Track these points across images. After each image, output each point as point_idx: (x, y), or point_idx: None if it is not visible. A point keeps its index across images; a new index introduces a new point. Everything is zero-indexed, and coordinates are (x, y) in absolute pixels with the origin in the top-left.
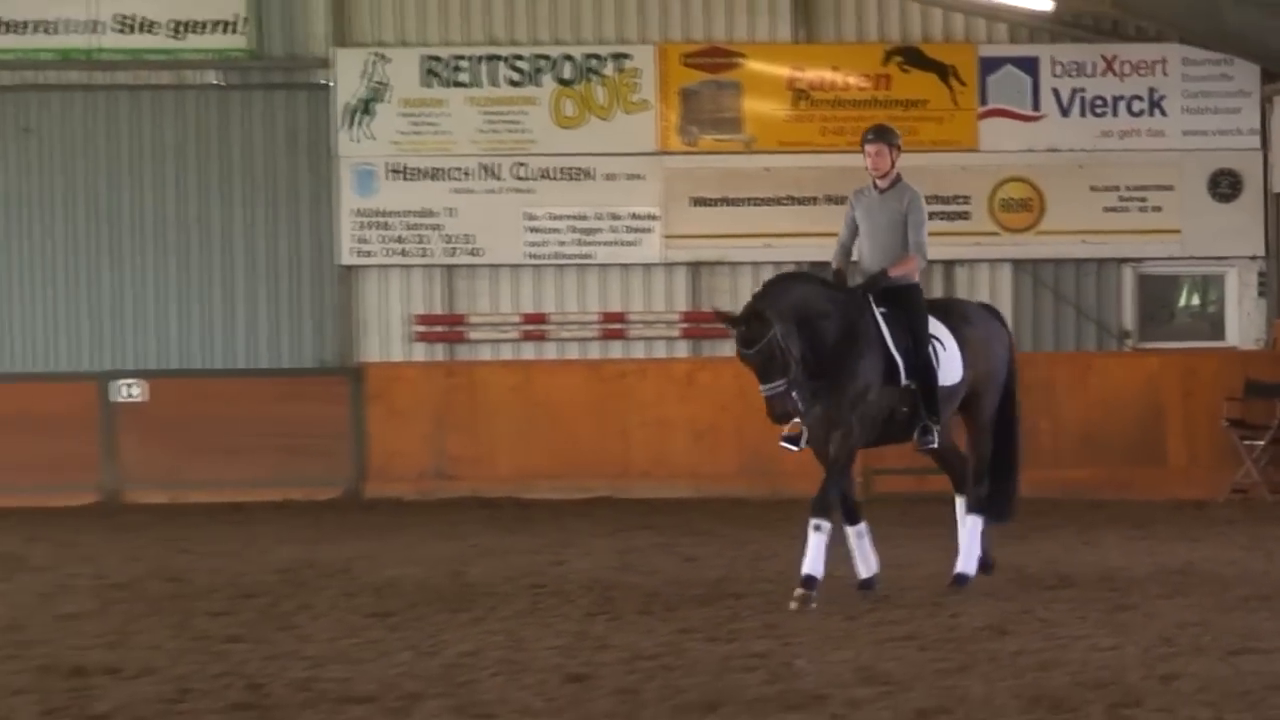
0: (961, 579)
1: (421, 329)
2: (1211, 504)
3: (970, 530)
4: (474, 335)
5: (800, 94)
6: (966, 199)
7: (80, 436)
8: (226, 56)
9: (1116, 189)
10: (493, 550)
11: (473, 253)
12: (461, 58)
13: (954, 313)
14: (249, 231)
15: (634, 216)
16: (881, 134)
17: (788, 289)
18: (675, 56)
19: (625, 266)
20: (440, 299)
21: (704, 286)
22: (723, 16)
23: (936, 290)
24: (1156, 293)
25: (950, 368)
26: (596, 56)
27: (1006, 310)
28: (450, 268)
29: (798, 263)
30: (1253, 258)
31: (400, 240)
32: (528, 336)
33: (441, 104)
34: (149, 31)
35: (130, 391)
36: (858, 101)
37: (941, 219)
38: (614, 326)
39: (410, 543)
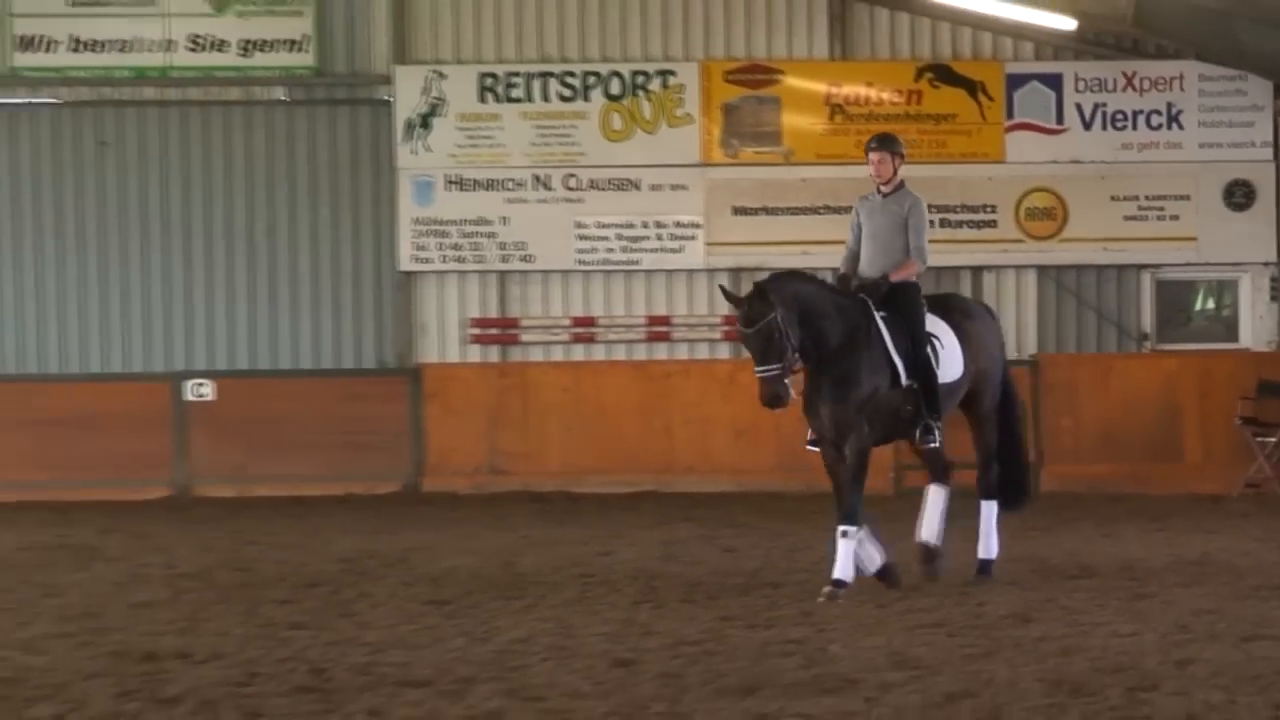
0: (984, 566)
1: (476, 332)
2: (1226, 498)
3: (986, 517)
4: (526, 338)
5: (836, 109)
6: (994, 208)
7: (153, 434)
8: (293, 74)
9: (1136, 199)
10: (543, 541)
11: (525, 259)
12: (515, 74)
13: (953, 308)
14: (314, 239)
15: (678, 225)
16: (884, 142)
17: (793, 282)
18: (718, 73)
19: (670, 272)
20: (494, 303)
21: (745, 291)
22: (763, 35)
23: (966, 294)
24: (1174, 297)
25: (950, 364)
26: (643, 73)
27: (1031, 314)
28: (504, 274)
29: (833, 269)
30: (1265, 264)
31: (457, 247)
32: (577, 339)
33: (496, 118)
34: (219, 50)
35: (201, 391)
36: (891, 116)
37: (969, 227)
38: (659, 329)
39: (465, 534)
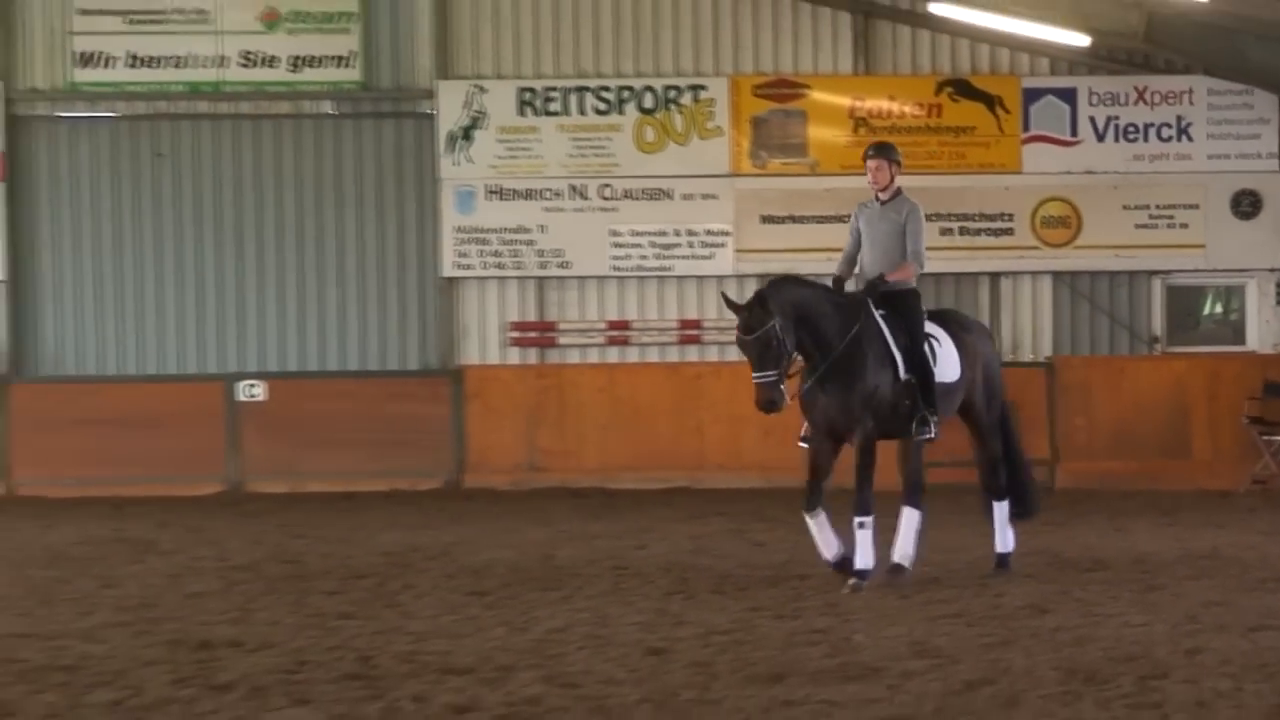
0: (1002, 559)
1: (516, 335)
2: (1233, 494)
3: (998, 515)
4: (563, 340)
5: (860, 121)
6: (1011, 216)
7: (207, 432)
8: (340, 88)
9: (1147, 207)
10: (579, 535)
11: (562, 266)
12: (553, 89)
13: (951, 320)
14: (360, 247)
15: (709, 233)
16: (881, 150)
17: (793, 289)
18: (746, 87)
19: (701, 278)
20: (533, 308)
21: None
22: (790, 51)
23: (984, 299)
24: (1183, 302)
25: (947, 365)
26: (675, 88)
27: (1046, 318)
28: (542, 279)
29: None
30: (1271, 270)
31: (497, 254)
32: (612, 342)
33: (535, 131)
34: (270, 66)
35: (252, 391)
36: (912, 128)
37: (988, 234)
38: (690, 332)
39: (505, 529)
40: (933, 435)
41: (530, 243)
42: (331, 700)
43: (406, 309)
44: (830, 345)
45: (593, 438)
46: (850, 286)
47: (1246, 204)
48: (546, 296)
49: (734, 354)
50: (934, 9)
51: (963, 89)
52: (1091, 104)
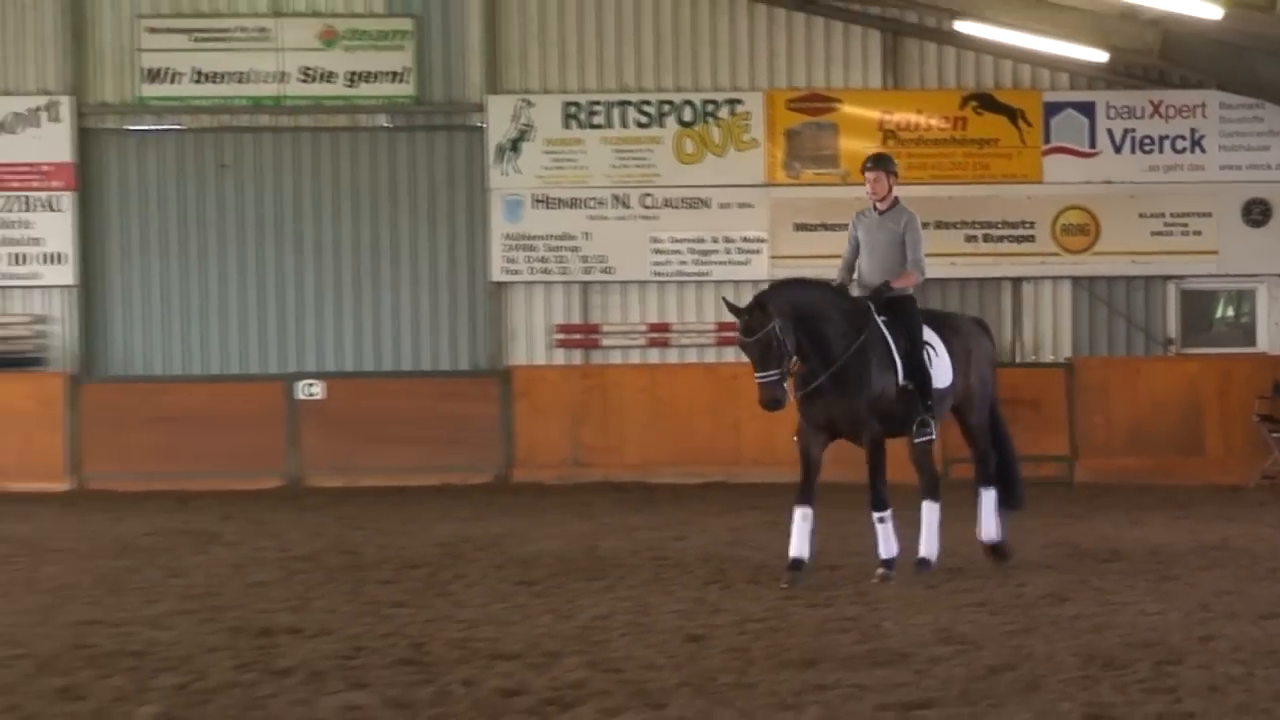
0: (997, 549)
1: (561, 337)
2: (1244, 489)
3: (985, 500)
4: (606, 342)
5: (889, 134)
6: (1032, 224)
7: (268, 429)
8: (394, 103)
9: (1162, 215)
10: (621, 527)
11: (605, 271)
12: (597, 103)
13: (945, 325)
14: (413, 253)
15: (745, 240)
16: (879, 162)
17: (793, 290)
18: (780, 101)
19: (737, 283)
20: (577, 311)
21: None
22: (822, 67)
23: (1007, 303)
24: (1196, 306)
25: (942, 371)
26: (713, 102)
27: (1066, 321)
28: (586, 284)
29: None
30: None
31: (543, 260)
32: (653, 343)
33: (579, 143)
34: (328, 81)
35: (311, 390)
36: (938, 140)
37: (1010, 241)
38: (727, 335)
39: (551, 521)
40: (932, 437)
41: (575, 249)
42: (386, 684)
43: (457, 312)
44: (833, 347)
45: (634, 435)
46: (852, 292)
47: (1257, 212)
48: (590, 300)
49: None
50: (959, 27)
51: (986, 103)
52: (1109, 117)
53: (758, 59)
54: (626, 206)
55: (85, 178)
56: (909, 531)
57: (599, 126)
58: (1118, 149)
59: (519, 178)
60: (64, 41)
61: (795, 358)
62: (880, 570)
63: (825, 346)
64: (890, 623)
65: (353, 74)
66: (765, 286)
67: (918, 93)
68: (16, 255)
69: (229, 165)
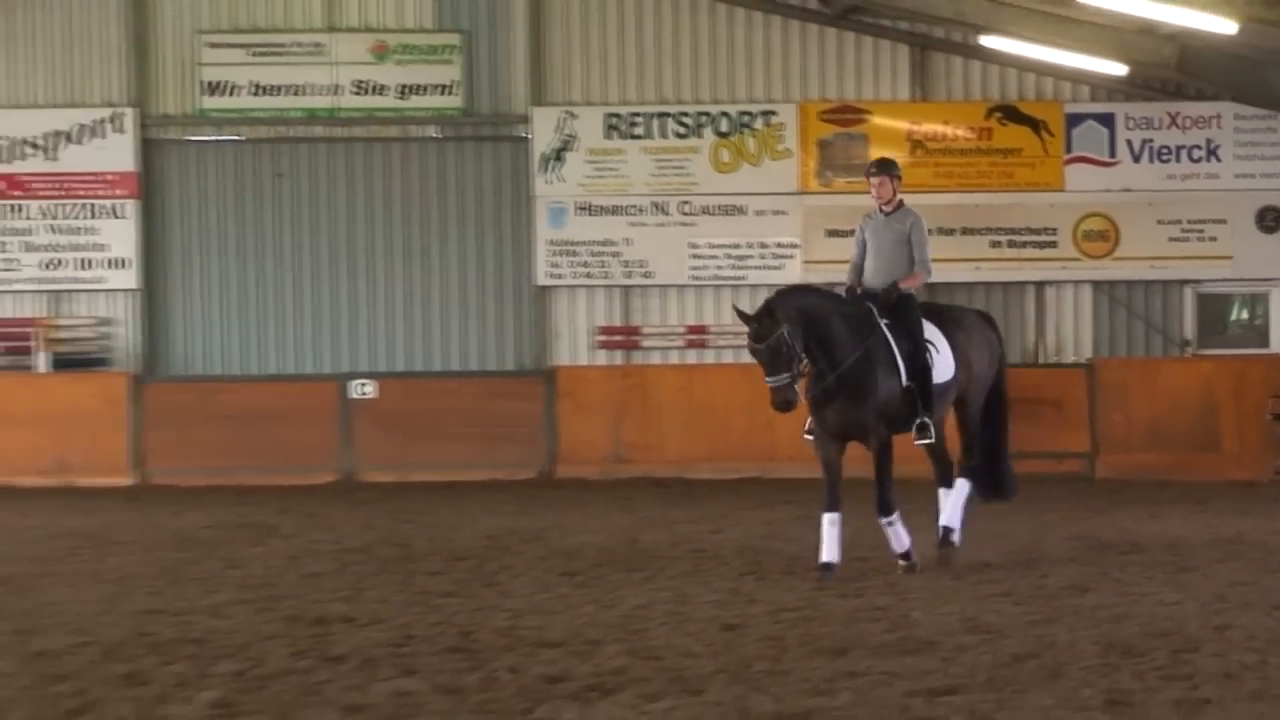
0: (947, 532)
1: (603, 338)
2: (1259, 484)
3: (958, 492)
4: (646, 344)
5: (917, 144)
6: (1054, 231)
7: (323, 427)
8: (443, 114)
9: (1179, 222)
10: (661, 521)
11: (645, 275)
12: (637, 114)
13: (949, 319)
14: (461, 258)
15: (779, 245)
16: (883, 167)
17: (799, 296)
18: (813, 113)
19: (772, 287)
20: (618, 314)
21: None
22: (853, 80)
23: (1030, 307)
24: (1212, 309)
25: (943, 366)
26: (748, 113)
27: (1087, 323)
28: (627, 288)
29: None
30: None
31: (586, 265)
32: (691, 345)
33: (620, 153)
34: (380, 94)
35: (364, 390)
36: (964, 150)
37: (1033, 247)
38: None
39: (593, 515)
40: (932, 440)
41: (616, 254)
42: (435, 671)
43: (504, 315)
44: (839, 353)
45: (673, 432)
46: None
47: (1270, 219)
48: (631, 303)
49: None
50: (985, 41)
51: (1011, 114)
52: (1128, 128)
53: (791, 72)
54: (665, 214)
55: (148, 186)
56: (923, 520)
57: (639, 137)
58: (1136, 159)
59: (562, 186)
60: (128, 56)
61: (804, 360)
62: (901, 564)
63: (832, 350)
64: (918, 612)
65: (403, 87)
66: (775, 294)
67: (945, 105)
68: (83, 260)
69: (285, 174)
